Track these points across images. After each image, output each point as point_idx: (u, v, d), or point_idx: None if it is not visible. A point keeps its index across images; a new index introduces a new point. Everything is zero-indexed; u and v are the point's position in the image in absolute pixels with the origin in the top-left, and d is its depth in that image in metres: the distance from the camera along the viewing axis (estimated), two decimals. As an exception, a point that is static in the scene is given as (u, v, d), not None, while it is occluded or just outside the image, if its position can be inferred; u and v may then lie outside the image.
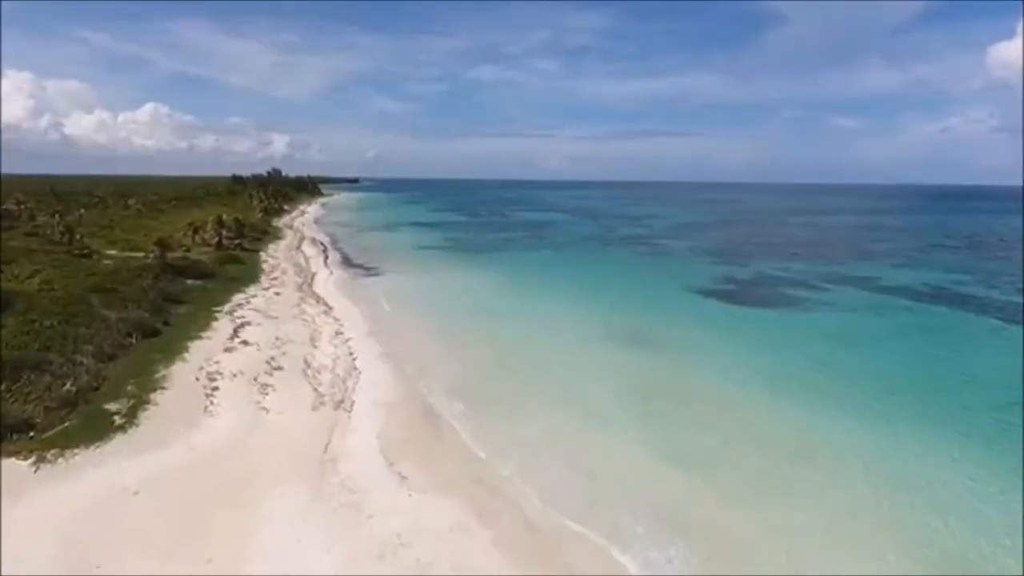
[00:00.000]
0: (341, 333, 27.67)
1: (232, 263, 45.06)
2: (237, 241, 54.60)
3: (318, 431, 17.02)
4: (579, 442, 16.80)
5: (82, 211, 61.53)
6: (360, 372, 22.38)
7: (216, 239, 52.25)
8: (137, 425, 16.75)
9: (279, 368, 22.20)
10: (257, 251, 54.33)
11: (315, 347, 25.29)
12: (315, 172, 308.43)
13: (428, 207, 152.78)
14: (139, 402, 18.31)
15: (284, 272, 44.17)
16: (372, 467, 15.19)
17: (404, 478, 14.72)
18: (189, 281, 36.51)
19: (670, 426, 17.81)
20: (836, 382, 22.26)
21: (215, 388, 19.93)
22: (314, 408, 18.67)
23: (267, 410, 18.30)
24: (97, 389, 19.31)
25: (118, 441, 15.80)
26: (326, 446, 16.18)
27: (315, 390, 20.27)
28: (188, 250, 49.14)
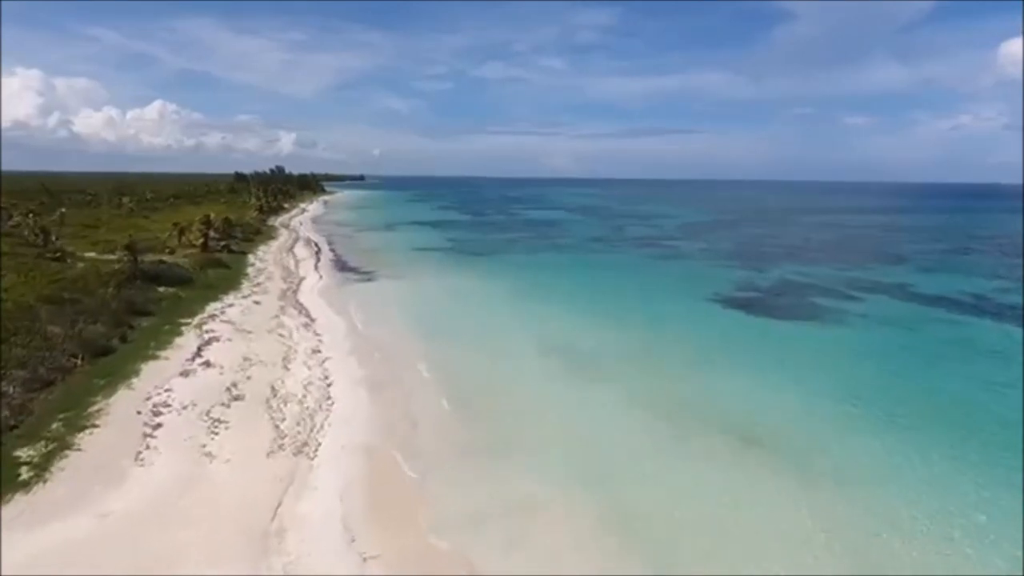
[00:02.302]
0: (319, 351, 24.54)
1: (215, 267, 42.02)
2: (224, 243, 51.57)
3: (269, 488, 13.86)
4: (585, 514, 13.44)
5: (63, 210, 58.48)
6: (333, 403, 19.21)
7: (201, 240, 49.23)
8: (45, 480, 13.64)
9: (239, 398, 19.06)
10: (245, 253, 51.34)
11: (287, 369, 22.17)
12: (321, 170, 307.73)
13: (431, 205, 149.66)
14: (59, 446, 15.21)
15: (270, 277, 41.09)
16: (328, 543, 12.02)
17: (368, 560, 11.56)
18: (162, 288, 33.45)
19: (696, 505, 13.94)
20: (880, 423, 18.50)
21: (157, 426, 16.82)
22: (270, 454, 15.51)
23: (212, 456, 15.16)
24: (15, 428, 16.26)
25: (15, 505, 12.68)
26: (275, 510, 13.03)
27: (276, 427, 17.12)
28: (172, 252, 46.26)
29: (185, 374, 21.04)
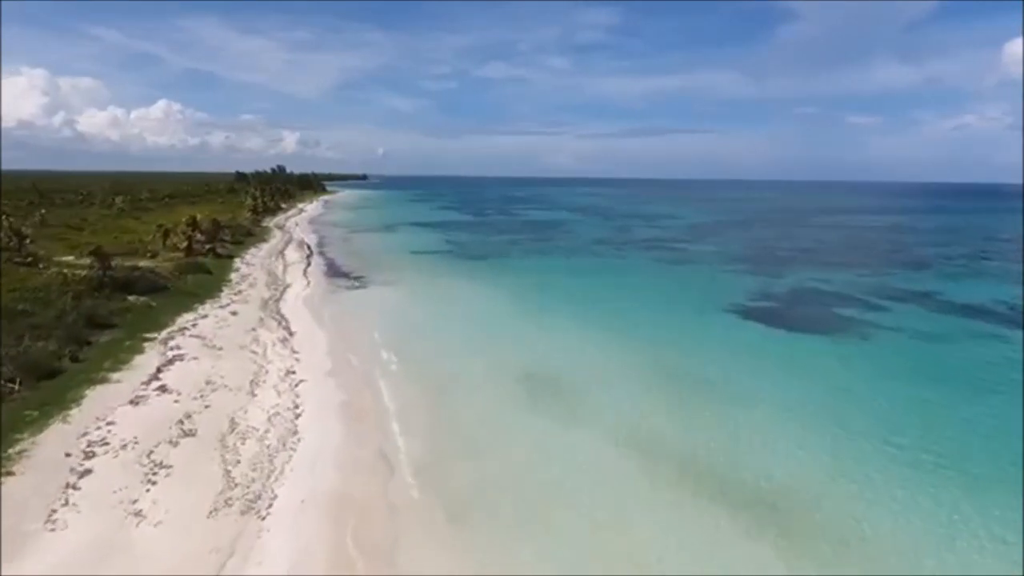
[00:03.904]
0: (293, 372, 21.96)
1: (196, 272, 39.48)
2: (210, 246, 49.03)
3: (204, 560, 11.26)
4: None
5: (42, 211, 56.03)
6: (300, 439, 16.61)
7: (186, 243, 46.74)
8: (-76, 555, 11.08)
9: (190, 434, 16.48)
10: (232, 257, 48.82)
11: (253, 395, 19.57)
12: (325, 169, 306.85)
13: (433, 205, 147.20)
14: (-43, 503, 12.65)
15: (253, 284, 38.53)
16: (265, 646, 9.44)
17: (312, 674, 8.97)
18: (132, 297, 30.91)
19: None
20: (922, 478, 15.39)
21: (86, 472, 14.24)
22: (212, 512, 12.89)
23: (141, 516, 12.55)
24: (-87, 476, 13.71)
25: None
26: (205, 595, 10.44)
27: (227, 473, 14.53)
28: (153, 256, 43.85)
29: (135, 402, 18.47)
